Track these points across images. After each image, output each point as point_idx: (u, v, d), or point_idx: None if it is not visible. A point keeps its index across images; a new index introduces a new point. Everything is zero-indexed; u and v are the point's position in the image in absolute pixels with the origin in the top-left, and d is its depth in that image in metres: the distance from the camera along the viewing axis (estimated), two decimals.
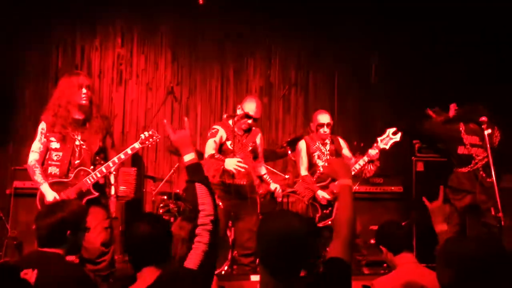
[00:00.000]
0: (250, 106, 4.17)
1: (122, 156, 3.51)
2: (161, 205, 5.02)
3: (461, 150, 4.54)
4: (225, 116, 4.42)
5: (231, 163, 3.86)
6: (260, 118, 4.32)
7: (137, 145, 3.58)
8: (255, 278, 3.39)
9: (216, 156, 3.99)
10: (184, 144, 2.15)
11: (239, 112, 4.20)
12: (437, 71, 6.49)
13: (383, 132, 4.38)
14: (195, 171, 2.09)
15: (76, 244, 2.45)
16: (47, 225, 2.32)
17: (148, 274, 1.97)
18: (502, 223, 4.17)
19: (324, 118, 4.60)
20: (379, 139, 4.36)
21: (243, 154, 4.16)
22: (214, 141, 4.12)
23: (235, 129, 4.17)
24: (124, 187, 3.63)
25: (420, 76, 6.57)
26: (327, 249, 1.82)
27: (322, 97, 6.84)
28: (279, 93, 6.70)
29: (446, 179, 4.59)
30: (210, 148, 4.09)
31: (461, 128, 4.59)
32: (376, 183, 5.65)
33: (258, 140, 4.42)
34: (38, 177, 3.45)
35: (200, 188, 2.02)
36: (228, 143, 4.16)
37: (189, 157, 2.12)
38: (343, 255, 1.76)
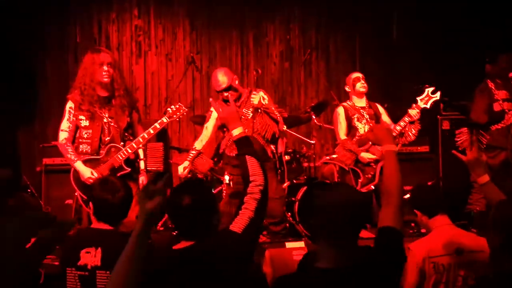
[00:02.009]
0: (213, 83, 4.09)
1: (151, 131, 3.54)
2: (189, 176, 5.06)
3: (496, 107, 4.45)
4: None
5: (180, 168, 4.05)
6: (229, 85, 4.01)
7: (165, 119, 3.60)
8: (290, 245, 3.43)
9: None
10: (231, 119, 2.21)
11: None
12: (466, 33, 6.24)
13: (418, 92, 4.26)
14: (244, 144, 2.14)
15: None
16: (119, 201, 2.33)
17: None
18: None
19: (357, 73, 4.63)
20: (418, 98, 4.22)
21: (246, 123, 4.01)
22: (206, 127, 4.16)
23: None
24: (153, 161, 3.65)
25: (445, 36, 6.38)
26: (379, 217, 1.80)
27: (344, 60, 6.72)
28: (300, 57, 6.59)
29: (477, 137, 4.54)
30: (202, 137, 4.17)
31: (490, 85, 4.49)
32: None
33: (257, 100, 4.12)
34: (70, 155, 3.50)
35: (250, 160, 2.07)
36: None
37: (237, 131, 2.17)
38: (394, 223, 1.75)
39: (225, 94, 4.00)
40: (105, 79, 3.51)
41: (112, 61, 3.58)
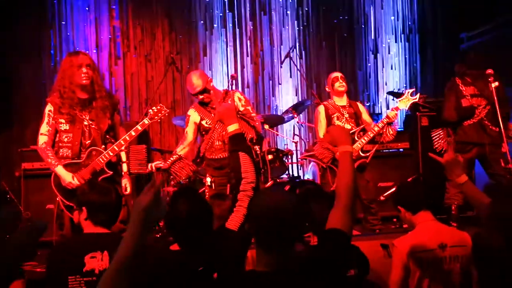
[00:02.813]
0: (188, 87, 4.12)
1: (132, 133, 3.49)
2: (171, 177, 5.03)
3: (465, 102, 4.54)
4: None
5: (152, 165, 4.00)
6: (203, 88, 3.99)
7: (146, 121, 3.56)
8: None
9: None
10: (228, 116, 2.25)
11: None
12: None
13: (393, 95, 4.36)
14: (238, 141, 2.18)
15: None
16: (110, 207, 2.30)
17: None
18: None
19: (336, 73, 4.72)
20: (397, 100, 4.36)
21: (238, 120, 4.01)
22: (187, 131, 4.15)
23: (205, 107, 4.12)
24: (136, 164, 3.61)
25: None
26: (328, 219, 1.78)
27: (324, 58, 6.79)
28: (280, 55, 6.62)
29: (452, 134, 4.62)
30: (184, 141, 4.14)
31: (458, 82, 4.58)
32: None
33: (236, 100, 4.14)
34: (51, 159, 3.43)
35: (243, 157, 2.10)
36: (204, 122, 4.12)
37: (232, 128, 2.22)
38: (342, 225, 1.72)
39: (200, 96, 4.02)
40: (84, 81, 3.45)
41: (91, 63, 3.53)
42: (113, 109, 3.59)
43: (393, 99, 6.40)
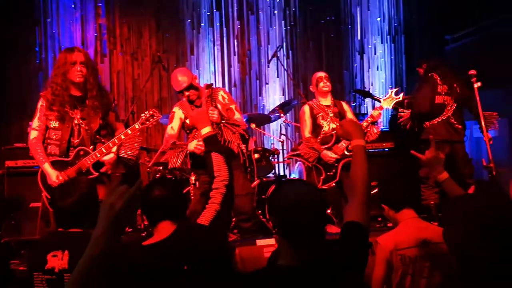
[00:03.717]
0: (173, 84, 4.11)
1: (122, 136, 3.46)
2: (157, 175, 5.02)
3: (438, 99, 4.61)
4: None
5: (191, 146, 3.87)
6: (189, 84, 3.97)
7: (137, 125, 3.51)
8: (260, 242, 3.44)
9: (177, 143, 3.96)
10: (200, 120, 2.42)
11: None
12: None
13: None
14: (211, 142, 2.35)
15: (95, 220, 2.44)
16: (66, 206, 2.29)
17: (164, 229, 2.02)
18: (494, 173, 4.26)
19: (320, 73, 4.73)
20: (381, 99, 4.40)
21: (211, 123, 3.99)
22: (172, 127, 4.10)
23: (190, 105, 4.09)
24: (128, 148, 3.56)
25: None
26: (344, 212, 1.80)
27: (311, 58, 6.83)
28: (267, 55, 6.64)
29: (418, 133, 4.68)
30: (170, 137, 4.07)
31: (436, 77, 4.65)
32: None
33: (219, 98, 4.14)
34: (39, 156, 3.41)
35: (215, 157, 2.24)
36: (188, 120, 4.07)
37: (205, 130, 2.39)
38: (359, 218, 1.74)
39: (186, 93, 4.00)
40: (78, 79, 3.41)
41: (86, 60, 3.48)
42: (106, 109, 3.55)
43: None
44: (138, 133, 3.53)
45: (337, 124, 4.54)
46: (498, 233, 1.96)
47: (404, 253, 2.40)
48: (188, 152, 3.93)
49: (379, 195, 2.72)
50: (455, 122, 4.59)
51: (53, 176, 3.35)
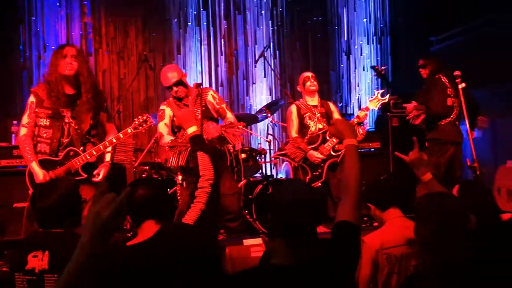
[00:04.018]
0: (162, 79, 4.05)
1: (113, 140, 3.43)
2: (143, 175, 4.99)
3: (449, 101, 4.65)
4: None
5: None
6: (178, 79, 3.92)
7: (129, 130, 3.45)
8: (248, 242, 3.43)
9: (178, 142, 3.90)
10: (186, 120, 2.45)
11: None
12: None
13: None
14: (197, 142, 2.38)
15: (77, 219, 2.41)
16: (46, 207, 2.27)
17: (148, 228, 2.02)
18: (478, 172, 4.32)
19: (307, 73, 4.75)
20: (368, 100, 4.45)
21: (197, 122, 3.95)
22: (165, 124, 4.02)
23: (177, 104, 4.04)
24: (121, 154, 3.53)
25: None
26: (336, 212, 1.81)
27: (298, 58, 6.85)
28: (254, 55, 6.64)
29: (422, 133, 4.70)
30: (164, 133, 3.98)
31: (444, 80, 4.69)
32: None
33: (209, 98, 4.10)
34: (27, 154, 3.36)
35: (201, 156, 2.28)
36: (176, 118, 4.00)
37: (192, 130, 2.42)
38: (351, 217, 1.75)
39: (175, 89, 3.95)
40: (67, 71, 3.35)
41: (76, 54, 3.42)
42: (98, 109, 3.51)
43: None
44: (132, 143, 3.51)
45: (324, 124, 4.58)
46: (482, 233, 1.99)
47: (390, 252, 2.42)
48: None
49: (366, 194, 2.74)
50: (458, 124, 4.66)
51: (40, 175, 3.31)
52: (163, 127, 4.03)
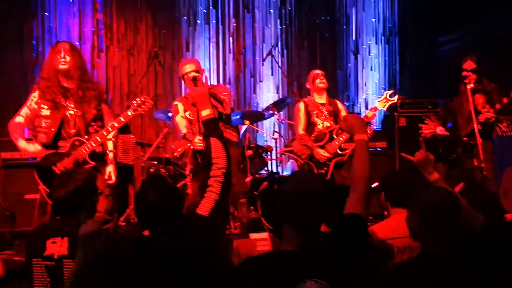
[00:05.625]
0: (180, 67, 3.96)
1: (115, 124, 3.49)
2: (151, 170, 5.06)
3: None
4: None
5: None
6: (198, 69, 3.85)
7: (129, 112, 3.54)
8: (254, 236, 3.48)
9: (190, 135, 3.91)
10: (201, 100, 2.26)
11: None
12: None
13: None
14: (211, 126, 2.21)
15: (93, 210, 2.48)
16: (62, 196, 2.34)
17: None
18: (484, 172, 4.34)
19: (317, 70, 4.79)
20: (376, 100, 4.47)
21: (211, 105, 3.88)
22: (182, 116, 3.98)
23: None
24: (122, 154, 3.62)
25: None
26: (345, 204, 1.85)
27: (305, 56, 6.89)
28: (262, 53, 6.69)
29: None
30: (182, 126, 3.95)
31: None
32: None
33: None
34: (15, 135, 3.47)
35: (214, 142, 2.13)
36: (187, 113, 4.00)
37: (206, 112, 2.24)
38: (359, 210, 1.81)
39: (195, 74, 3.79)
40: (62, 66, 3.46)
41: (70, 49, 3.52)
42: (99, 99, 3.60)
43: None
44: (133, 140, 3.56)
45: (331, 122, 4.62)
46: (487, 232, 2.03)
47: (393, 242, 2.45)
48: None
49: (382, 184, 2.74)
50: None
51: (31, 148, 3.42)
52: (180, 120, 4.00)
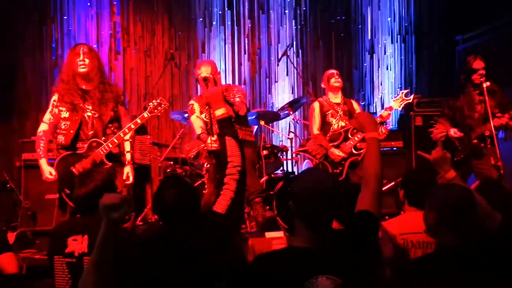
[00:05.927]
0: (196, 69, 4.06)
1: (132, 126, 3.56)
2: (168, 170, 5.12)
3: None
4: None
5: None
6: (213, 74, 3.88)
7: (146, 114, 3.62)
8: (269, 234, 3.51)
9: (201, 136, 3.93)
10: (215, 100, 2.28)
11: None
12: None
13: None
14: (226, 125, 2.23)
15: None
16: (82, 195, 2.40)
17: None
18: (501, 171, 4.30)
19: (332, 70, 4.80)
20: (392, 100, 4.47)
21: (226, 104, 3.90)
22: (197, 116, 4.07)
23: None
24: (139, 154, 3.69)
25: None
26: (357, 202, 1.87)
27: (320, 56, 6.90)
28: (277, 53, 6.72)
29: None
30: (197, 127, 4.04)
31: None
32: None
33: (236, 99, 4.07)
34: (39, 150, 3.58)
35: (229, 141, 2.15)
36: (203, 115, 4.08)
37: (220, 112, 2.25)
38: (371, 207, 1.81)
39: (209, 75, 3.77)
40: (81, 69, 3.54)
41: (88, 52, 3.59)
42: (116, 101, 3.67)
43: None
44: (149, 140, 3.62)
45: (346, 122, 4.62)
46: (506, 231, 2.03)
47: (407, 237, 2.46)
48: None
49: (403, 180, 2.74)
50: None
51: (46, 172, 3.51)
52: (195, 120, 4.08)
